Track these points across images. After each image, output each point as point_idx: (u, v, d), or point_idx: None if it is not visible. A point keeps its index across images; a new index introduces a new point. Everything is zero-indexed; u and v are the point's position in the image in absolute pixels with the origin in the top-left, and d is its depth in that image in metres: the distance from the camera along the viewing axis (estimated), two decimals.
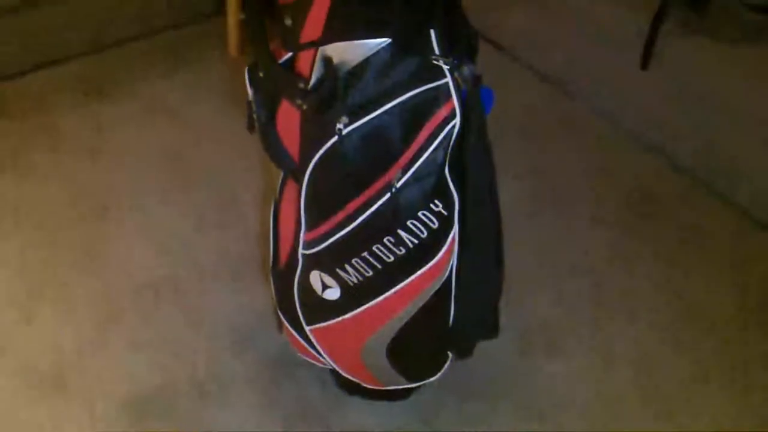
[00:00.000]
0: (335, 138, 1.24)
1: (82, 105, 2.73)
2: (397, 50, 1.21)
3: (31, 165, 2.47)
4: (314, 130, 1.28)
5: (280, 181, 1.56)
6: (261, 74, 1.36)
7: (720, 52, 2.21)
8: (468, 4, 1.33)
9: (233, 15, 2.95)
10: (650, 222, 2.30)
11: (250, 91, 1.40)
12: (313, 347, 1.64)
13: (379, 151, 1.26)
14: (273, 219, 1.61)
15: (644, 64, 2.32)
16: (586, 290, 2.09)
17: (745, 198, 2.31)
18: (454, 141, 1.27)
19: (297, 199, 1.39)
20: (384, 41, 1.20)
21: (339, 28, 1.20)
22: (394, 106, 1.22)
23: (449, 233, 1.35)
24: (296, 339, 1.67)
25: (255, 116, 1.40)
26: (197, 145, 2.54)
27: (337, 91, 1.23)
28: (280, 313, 1.70)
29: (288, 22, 1.25)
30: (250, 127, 1.43)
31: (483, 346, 1.68)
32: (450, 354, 1.65)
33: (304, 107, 1.29)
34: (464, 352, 1.67)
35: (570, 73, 2.75)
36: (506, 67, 2.90)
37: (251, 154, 2.39)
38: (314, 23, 1.21)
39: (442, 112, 1.24)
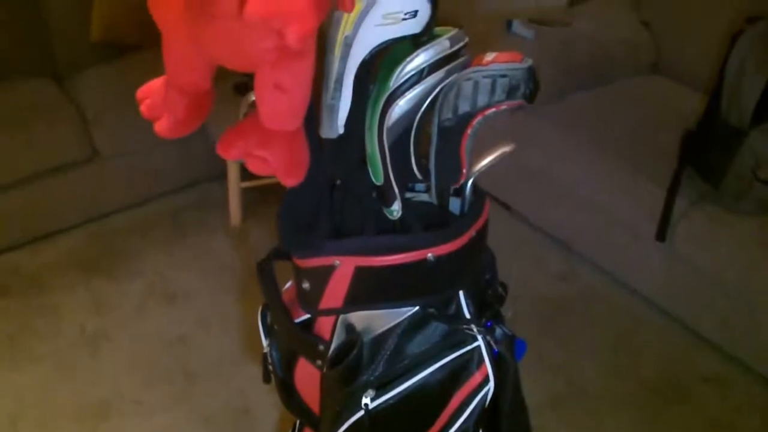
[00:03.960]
0: (361, 412, 1.15)
1: (80, 283, 2.65)
2: (426, 318, 1.13)
3: (29, 353, 2.37)
4: (338, 401, 1.19)
5: (297, 424, 1.46)
6: (276, 328, 1.28)
7: (736, 225, 2.17)
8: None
9: (234, 182, 2.85)
10: (676, 406, 2.19)
11: (264, 342, 1.32)
12: None
13: (408, 422, 1.17)
14: None
15: (661, 236, 2.26)
16: None
17: None
18: (488, 403, 1.17)
19: None
20: (411, 309, 1.12)
21: (364, 298, 1.12)
22: (424, 377, 1.13)
23: None
24: None
25: (271, 368, 1.32)
26: (202, 330, 2.43)
27: (361, 362, 1.14)
28: None
29: (305, 285, 1.16)
30: (266, 380, 1.34)
31: None
32: None
33: (324, 370, 1.21)
34: None
35: (587, 245, 2.69)
36: (519, 233, 2.84)
37: (259, 344, 2.25)
38: (335, 290, 1.12)
39: (476, 379, 1.14)
